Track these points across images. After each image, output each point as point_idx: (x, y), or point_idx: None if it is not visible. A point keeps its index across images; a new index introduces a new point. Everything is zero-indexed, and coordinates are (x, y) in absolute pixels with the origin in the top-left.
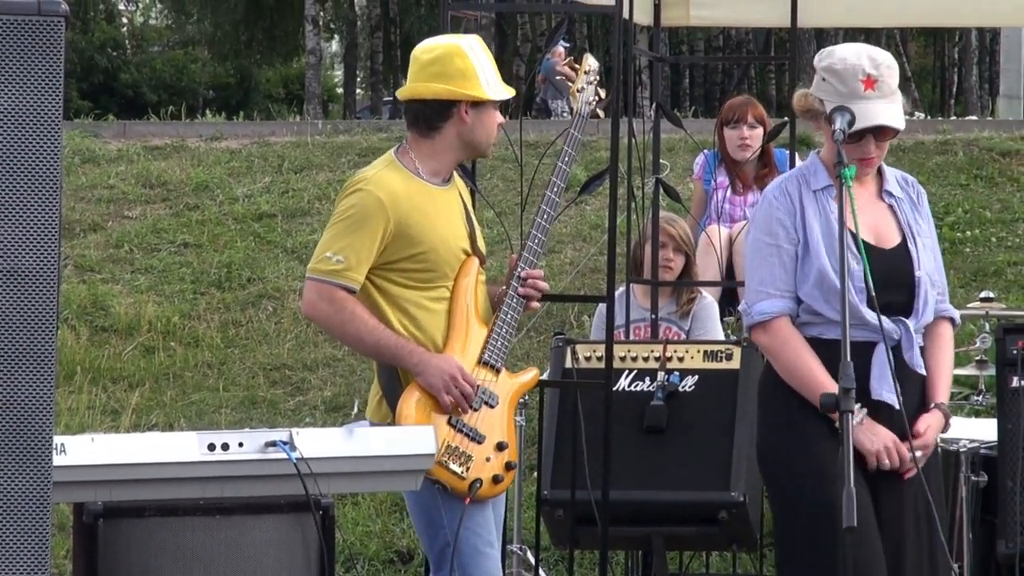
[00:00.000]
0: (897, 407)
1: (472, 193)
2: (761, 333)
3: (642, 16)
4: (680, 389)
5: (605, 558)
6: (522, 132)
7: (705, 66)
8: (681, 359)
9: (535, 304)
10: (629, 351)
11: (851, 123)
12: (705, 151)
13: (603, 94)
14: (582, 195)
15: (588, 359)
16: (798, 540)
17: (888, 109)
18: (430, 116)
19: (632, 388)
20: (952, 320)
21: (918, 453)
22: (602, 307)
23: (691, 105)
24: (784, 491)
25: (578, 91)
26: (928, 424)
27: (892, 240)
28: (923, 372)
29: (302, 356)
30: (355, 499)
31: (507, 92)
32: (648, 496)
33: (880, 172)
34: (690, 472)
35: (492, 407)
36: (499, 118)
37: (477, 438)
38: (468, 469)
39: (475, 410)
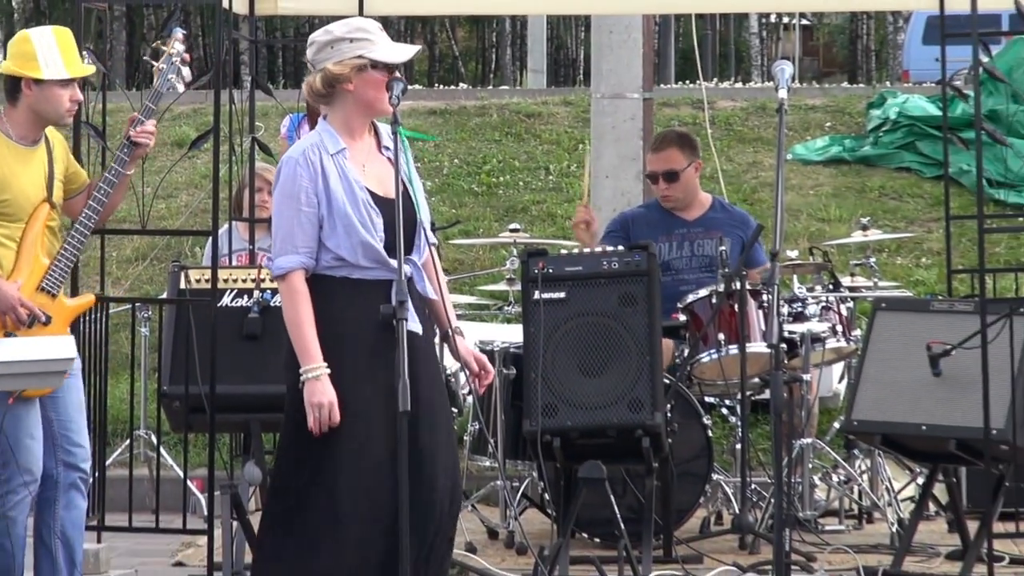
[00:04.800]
0: (421, 332)
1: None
2: (280, 282)
3: (240, 7)
4: (271, 304)
5: (213, 439)
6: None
7: (294, 47)
8: (273, 281)
9: None
10: (231, 275)
11: (404, 91)
12: (291, 115)
13: (186, 73)
14: (191, 150)
15: (199, 282)
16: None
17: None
18: (9, 89)
19: (234, 304)
20: (437, 246)
21: (488, 378)
22: (210, 240)
23: (283, 79)
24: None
25: (159, 69)
26: (471, 352)
27: (394, 189)
28: (433, 296)
29: None
30: None
31: (68, 72)
32: (247, 390)
33: (375, 128)
34: (279, 368)
35: (45, 324)
36: (72, 94)
37: None
38: None
39: (29, 327)
